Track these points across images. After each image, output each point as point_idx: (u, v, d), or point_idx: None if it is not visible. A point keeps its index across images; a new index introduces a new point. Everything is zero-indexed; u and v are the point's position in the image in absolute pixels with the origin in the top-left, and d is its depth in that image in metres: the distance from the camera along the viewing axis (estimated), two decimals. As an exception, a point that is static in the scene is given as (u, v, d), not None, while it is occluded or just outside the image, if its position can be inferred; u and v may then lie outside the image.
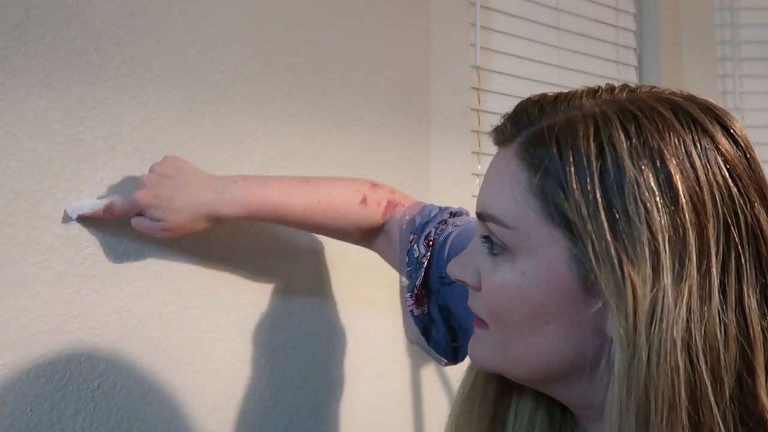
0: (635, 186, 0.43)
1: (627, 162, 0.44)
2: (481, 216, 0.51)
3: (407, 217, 0.81)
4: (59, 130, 0.77)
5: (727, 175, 0.45)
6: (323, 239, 0.97)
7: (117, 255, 0.80)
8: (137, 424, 0.80)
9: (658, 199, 0.43)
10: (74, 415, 0.75)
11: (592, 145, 0.45)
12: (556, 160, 0.46)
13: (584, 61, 1.44)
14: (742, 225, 0.44)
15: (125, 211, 0.75)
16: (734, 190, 0.45)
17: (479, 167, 1.22)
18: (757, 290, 0.44)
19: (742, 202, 0.45)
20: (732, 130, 0.47)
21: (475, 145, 1.22)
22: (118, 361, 0.79)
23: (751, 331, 0.43)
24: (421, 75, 1.13)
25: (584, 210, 0.44)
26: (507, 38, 1.32)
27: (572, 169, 0.45)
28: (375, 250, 0.88)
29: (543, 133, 0.47)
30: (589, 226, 0.44)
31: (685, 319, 0.42)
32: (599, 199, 0.44)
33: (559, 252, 0.46)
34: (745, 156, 0.46)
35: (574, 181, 0.45)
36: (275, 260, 0.93)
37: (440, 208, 0.81)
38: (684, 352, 0.42)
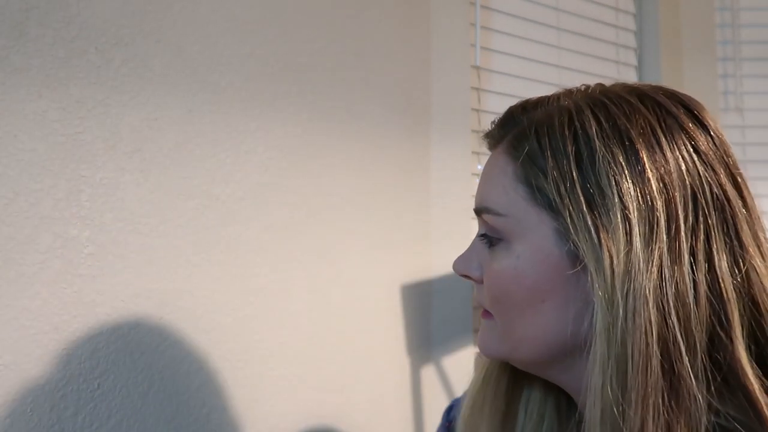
0: (606, 163, 0.48)
1: (597, 143, 0.49)
2: (477, 211, 0.56)
3: None
4: (59, 130, 0.77)
5: (692, 150, 0.50)
6: (324, 239, 0.98)
7: (117, 255, 0.80)
8: (137, 424, 0.80)
9: (626, 172, 0.48)
10: (74, 415, 0.75)
11: (567, 132, 0.50)
12: (536, 148, 0.51)
13: (584, 61, 1.44)
14: (708, 193, 0.49)
15: None
16: (699, 163, 0.49)
17: (479, 167, 1.22)
18: (726, 251, 0.48)
19: (707, 174, 0.49)
20: (696, 113, 0.52)
21: (475, 145, 1.22)
22: (118, 361, 0.79)
23: (722, 290, 0.47)
24: (421, 75, 1.13)
25: (562, 188, 0.49)
26: (507, 38, 1.32)
27: (549, 154, 0.50)
28: None
29: (524, 129, 0.53)
30: (566, 201, 0.49)
31: (656, 278, 0.46)
32: (575, 178, 0.49)
33: (547, 231, 0.51)
34: (710, 135, 0.51)
35: (552, 164, 0.50)
36: (275, 260, 0.93)
37: None
38: (656, 308, 0.46)
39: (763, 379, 0.47)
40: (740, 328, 0.48)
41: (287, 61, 0.96)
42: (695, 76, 1.56)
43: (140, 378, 0.80)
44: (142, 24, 0.83)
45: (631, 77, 1.53)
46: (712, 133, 0.51)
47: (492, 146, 0.57)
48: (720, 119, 1.56)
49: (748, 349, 0.48)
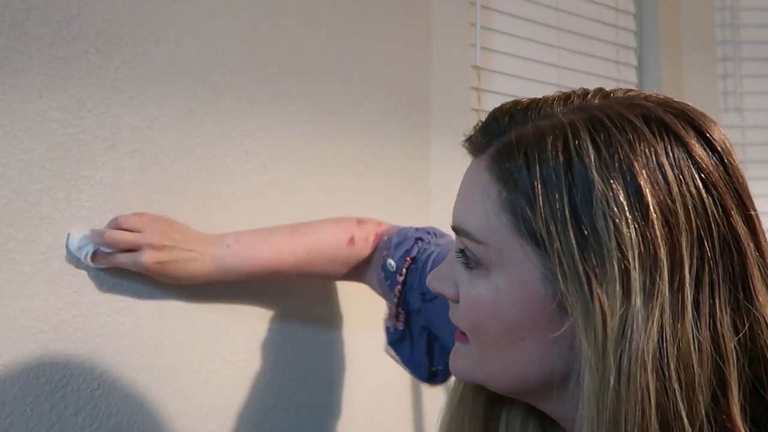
0: (604, 201, 0.42)
1: (595, 176, 0.42)
2: (455, 230, 0.50)
3: (384, 238, 0.83)
4: (59, 130, 0.77)
5: (700, 185, 0.43)
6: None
7: (117, 255, 0.79)
8: (137, 424, 0.80)
9: (627, 214, 0.42)
10: (74, 415, 0.75)
11: (561, 157, 0.44)
12: (524, 173, 0.45)
13: (584, 61, 1.44)
14: (716, 238, 0.43)
15: (123, 266, 0.77)
16: (708, 200, 0.43)
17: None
18: (729, 306, 0.43)
19: (716, 212, 0.43)
20: (708, 135, 0.45)
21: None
22: (118, 360, 0.79)
23: (723, 348, 0.42)
24: (421, 75, 1.13)
25: (552, 227, 0.43)
26: (507, 38, 1.32)
27: (540, 184, 0.44)
28: (366, 283, 0.89)
29: (512, 145, 0.46)
30: (556, 244, 0.43)
31: (656, 339, 0.41)
32: (567, 216, 0.43)
33: (531, 268, 0.45)
34: (722, 162, 0.45)
35: (541, 197, 0.44)
36: (275, 260, 0.93)
37: (417, 229, 0.83)
38: (655, 374, 0.40)
39: None
40: (737, 389, 0.42)
41: (287, 61, 0.96)
42: (695, 76, 1.56)
43: (140, 378, 0.80)
44: (142, 24, 0.83)
45: (631, 77, 1.53)
46: (726, 160, 0.45)
47: (473, 153, 0.51)
48: (720, 119, 1.56)
49: (744, 410, 0.42)
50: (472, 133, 0.51)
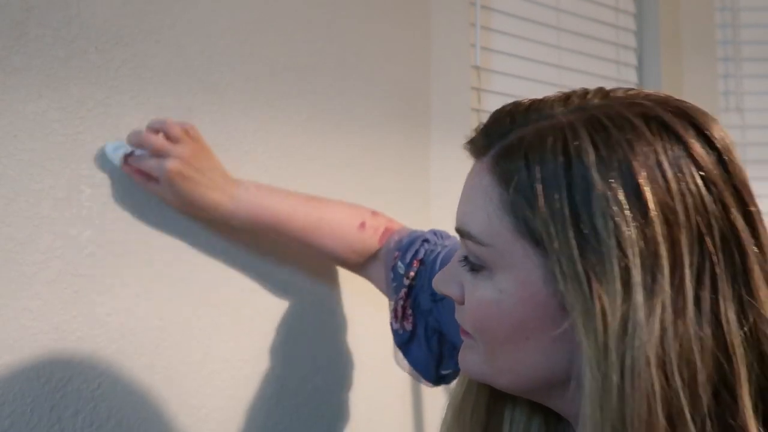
0: (603, 200, 0.42)
1: (595, 176, 0.43)
2: (459, 232, 0.51)
3: (395, 238, 0.84)
4: (59, 130, 0.77)
5: (700, 182, 0.43)
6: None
7: (117, 255, 0.80)
8: (137, 424, 0.80)
9: (627, 213, 0.42)
10: (74, 415, 0.75)
11: (560, 158, 0.44)
12: (525, 175, 0.45)
13: (584, 61, 1.44)
14: (717, 234, 0.43)
15: (147, 171, 0.77)
16: (708, 198, 0.43)
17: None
18: (733, 301, 0.43)
19: (716, 209, 0.43)
20: (707, 132, 0.45)
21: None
22: (118, 361, 0.79)
23: (728, 344, 0.42)
24: (421, 75, 1.13)
25: (552, 227, 0.44)
26: (507, 38, 1.32)
27: (540, 184, 0.44)
28: (367, 278, 0.89)
29: (513, 147, 0.47)
30: (556, 244, 0.43)
31: (658, 335, 0.41)
32: (567, 216, 0.43)
33: (533, 269, 0.46)
34: (721, 159, 0.45)
35: (542, 198, 0.44)
36: (276, 260, 0.93)
37: (424, 232, 0.84)
38: (659, 369, 0.41)
39: None
40: (747, 386, 0.42)
41: (287, 61, 0.96)
42: (695, 76, 1.56)
43: (140, 378, 0.80)
44: (142, 24, 0.83)
45: (631, 77, 1.53)
46: (725, 158, 0.45)
47: (475, 155, 0.51)
48: (720, 119, 1.56)
49: (755, 408, 0.42)
50: (474, 135, 0.51)
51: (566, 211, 0.43)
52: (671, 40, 1.55)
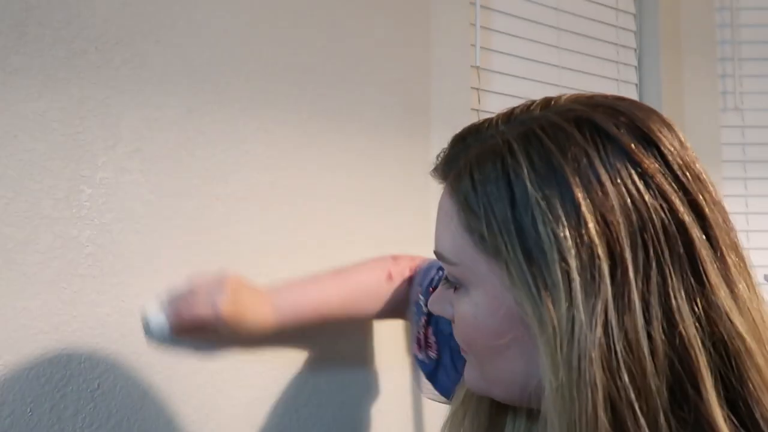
0: (541, 211, 0.44)
1: (530, 189, 0.45)
2: (435, 254, 0.54)
3: (418, 272, 0.85)
4: (59, 130, 0.77)
5: (636, 178, 0.44)
6: (324, 238, 0.97)
7: (117, 255, 0.80)
8: (137, 424, 0.80)
9: (563, 220, 0.43)
10: (74, 415, 0.75)
11: (500, 175, 0.46)
12: (473, 195, 0.48)
13: (584, 61, 1.44)
14: (659, 226, 0.43)
15: (199, 322, 0.74)
16: (646, 192, 0.44)
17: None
18: (684, 291, 0.43)
19: (656, 202, 0.44)
20: (640, 126, 0.46)
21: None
22: (118, 361, 0.79)
23: (683, 335, 0.42)
24: (421, 75, 1.13)
25: (501, 241, 0.46)
26: (507, 38, 1.32)
27: (486, 200, 0.47)
28: (407, 320, 0.90)
29: (462, 171, 0.49)
30: (507, 256, 0.46)
31: (600, 334, 0.42)
32: (513, 230, 0.45)
33: (496, 281, 0.48)
34: (659, 151, 0.45)
35: (490, 212, 0.47)
36: (275, 260, 0.93)
37: None
38: (602, 368, 0.41)
39: None
40: (710, 377, 0.42)
41: (287, 61, 0.96)
42: (695, 76, 1.56)
43: (140, 378, 0.80)
44: (142, 24, 0.83)
45: (631, 77, 1.53)
46: (663, 150, 0.45)
47: (440, 181, 0.54)
48: (720, 119, 1.56)
49: (719, 394, 0.42)
50: (436, 162, 0.55)
51: (511, 225, 0.45)
52: (671, 40, 1.55)
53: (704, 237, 0.44)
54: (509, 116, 0.50)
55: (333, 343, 0.98)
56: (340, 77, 1.02)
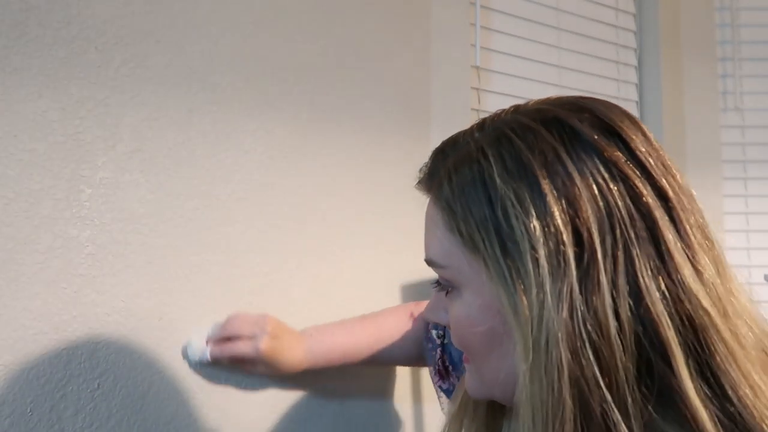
0: (511, 205, 0.47)
1: (502, 186, 0.48)
2: (426, 262, 0.56)
3: None
4: (59, 130, 0.77)
5: (601, 167, 0.47)
6: (324, 239, 0.98)
7: (117, 255, 0.80)
8: (137, 424, 0.80)
9: (532, 211, 0.46)
10: (74, 415, 0.75)
11: (475, 177, 0.50)
12: (452, 199, 0.51)
13: (584, 61, 1.44)
14: (624, 211, 0.46)
15: (240, 356, 0.83)
16: (610, 179, 0.46)
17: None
18: (651, 270, 0.45)
19: (620, 188, 0.46)
20: (601, 118, 0.49)
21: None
22: (118, 361, 0.79)
23: (651, 312, 0.44)
24: (421, 75, 1.13)
25: (478, 237, 0.49)
26: (507, 38, 1.32)
27: (464, 202, 0.50)
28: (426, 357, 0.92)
29: (441, 179, 0.53)
30: (484, 249, 0.48)
31: (566, 316, 0.44)
32: (489, 225, 0.48)
33: (482, 278, 0.50)
34: (621, 139, 0.48)
35: (468, 215, 0.49)
36: (275, 261, 0.93)
37: None
38: (567, 348, 0.43)
39: (714, 408, 0.43)
40: (680, 351, 0.44)
41: (287, 61, 0.96)
42: (695, 76, 1.56)
43: (140, 378, 0.81)
44: (142, 24, 0.83)
45: (631, 77, 1.53)
46: (626, 139, 0.48)
47: (425, 192, 0.58)
48: (720, 119, 1.56)
49: (689, 367, 0.44)
50: (420, 176, 0.59)
51: (488, 222, 0.48)
52: (671, 40, 1.55)
53: (668, 218, 0.46)
54: (482, 125, 0.53)
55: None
56: (340, 77, 1.02)
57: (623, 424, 0.43)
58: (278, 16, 0.96)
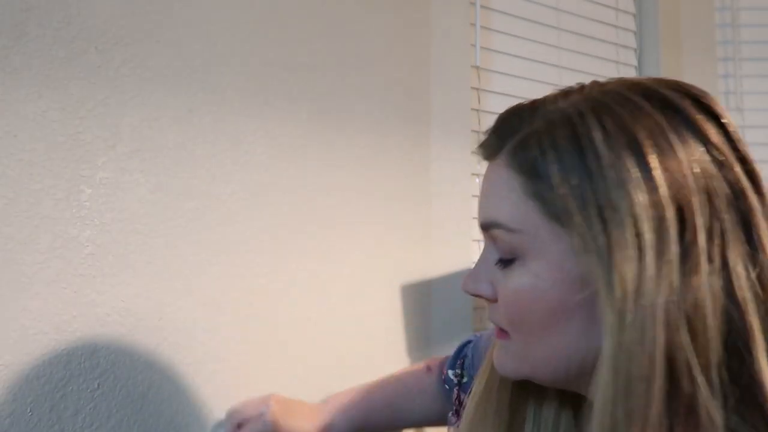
0: (615, 172, 0.45)
1: (604, 151, 0.46)
2: (485, 226, 0.52)
3: (445, 359, 0.85)
4: (59, 130, 0.77)
5: (703, 147, 0.46)
6: (324, 239, 0.97)
7: (117, 255, 0.80)
8: (137, 424, 0.80)
9: (636, 181, 0.44)
10: (74, 415, 0.75)
11: (572, 141, 0.47)
12: (541, 161, 0.48)
13: (584, 61, 1.44)
14: (722, 192, 0.45)
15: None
16: (711, 160, 0.46)
17: (479, 167, 1.22)
18: (742, 255, 0.45)
19: (721, 170, 0.46)
20: (703, 101, 0.48)
21: (475, 145, 1.22)
22: (118, 361, 0.79)
23: (738, 297, 0.44)
24: (421, 75, 1.13)
25: (571, 203, 0.46)
26: (507, 38, 1.32)
27: (556, 166, 0.47)
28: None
29: (526, 140, 0.49)
30: (576, 219, 0.46)
31: (667, 293, 0.43)
32: (584, 192, 0.46)
33: (564, 248, 0.47)
34: (720, 124, 0.48)
35: (559, 177, 0.47)
36: (275, 261, 0.93)
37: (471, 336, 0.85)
38: (664, 326, 0.43)
39: None
40: (761, 337, 0.44)
41: (287, 61, 0.96)
42: (695, 76, 1.56)
43: (140, 378, 0.80)
44: (142, 24, 0.83)
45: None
46: (723, 122, 0.48)
47: (489, 157, 0.54)
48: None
49: None
50: (484, 138, 0.54)
51: (584, 186, 0.46)
52: (671, 40, 1.55)
53: (760, 206, 0.47)
54: (566, 94, 0.51)
55: (332, 343, 0.98)
56: (340, 77, 1.02)
57: (713, 405, 0.42)
58: (278, 16, 0.96)
